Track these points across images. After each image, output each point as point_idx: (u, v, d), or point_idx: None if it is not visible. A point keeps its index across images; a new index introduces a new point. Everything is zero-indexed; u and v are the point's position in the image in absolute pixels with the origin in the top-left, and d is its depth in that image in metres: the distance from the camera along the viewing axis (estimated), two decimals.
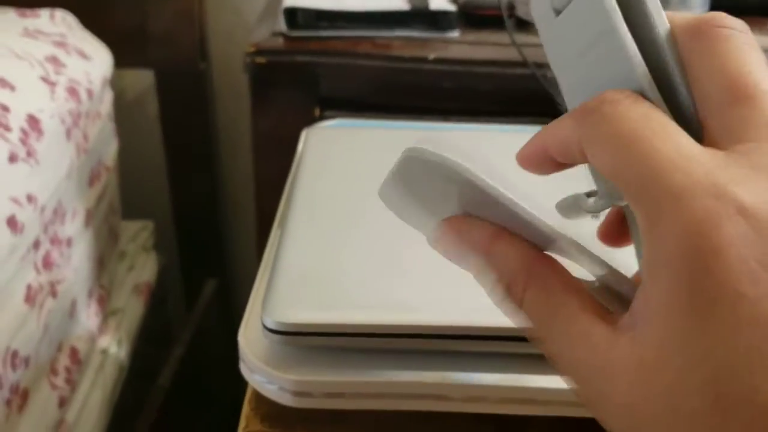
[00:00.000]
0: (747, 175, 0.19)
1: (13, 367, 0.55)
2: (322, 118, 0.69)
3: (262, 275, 0.40)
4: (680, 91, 0.22)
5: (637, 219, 0.20)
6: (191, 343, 0.94)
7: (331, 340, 0.34)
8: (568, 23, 0.24)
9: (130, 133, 0.93)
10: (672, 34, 0.22)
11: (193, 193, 1.05)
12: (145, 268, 0.92)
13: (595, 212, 0.25)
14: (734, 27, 0.22)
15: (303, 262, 0.37)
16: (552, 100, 0.55)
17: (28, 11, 0.79)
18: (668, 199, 0.19)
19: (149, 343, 0.88)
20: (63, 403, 0.65)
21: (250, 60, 0.70)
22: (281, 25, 0.72)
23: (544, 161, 0.24)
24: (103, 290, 0.78)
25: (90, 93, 0.74)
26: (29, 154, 0.59)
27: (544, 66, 0.60)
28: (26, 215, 0.58)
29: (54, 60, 0.71)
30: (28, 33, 0.73)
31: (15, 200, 0.57)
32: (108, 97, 0.83)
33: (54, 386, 0.63)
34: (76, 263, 0.70)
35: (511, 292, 0.22)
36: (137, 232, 0.95)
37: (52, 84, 0.67)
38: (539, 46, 0.26)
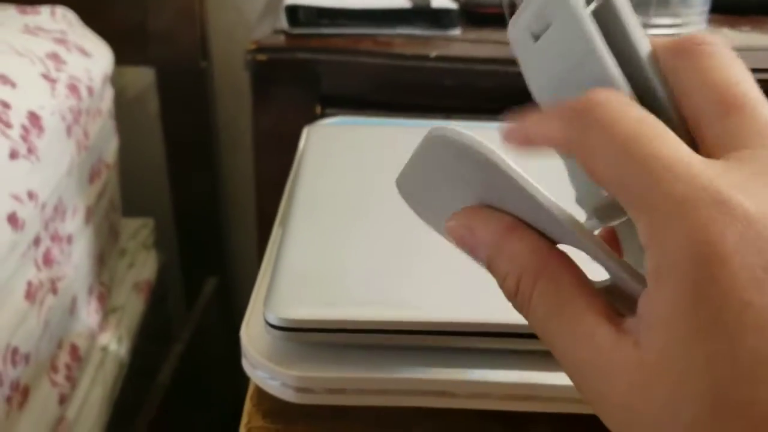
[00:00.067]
0: (748, 182, 0.19)
1: (14, 363, 0.55)
2: (323, 115, 0.69)
3: (264, 272, 0.40)
4: (665, 107, 0.22)
5: (638, 226, 0.19)
6: (191, 341, 0.94)
7: (333, 336, 0.34)
8: (547, 48, 0.24)
9: (130, 130, 0.93)
10: (653, 54, 0.23)
11: (193, 190, 1.05)
12: (145, 266, 0.92)
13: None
14: (716, 43, 0.22)
15: (305, 259, 0.37)
16: None
17: (28, 8, 0.78)
18: (672, 207, 0.18)
19: (149, 340, 0.88)
20: (63, 400, 0.65)
21: (251, 57, 0.69)
22: (282, 23, 0.72)
23: (527, 147, 0.23)
24: (103, 287, 0.78)
25: (90, 90, 0.74)
26: (30, 150, 0.59)
27: None
28: (27, 212, 0.58)
29: (55, 57, 0.71)
30: (28, 30, 0.73)
31: (16, 197, 0.57)
32: (108, 94, 0.83)
33: (54, 383, 0.63)
34: (76, 260, 0.70)
35: (521, 286, 0.22)
36: (137, 230, 0.95)
37: (52, 81, 0.67)
38: None
